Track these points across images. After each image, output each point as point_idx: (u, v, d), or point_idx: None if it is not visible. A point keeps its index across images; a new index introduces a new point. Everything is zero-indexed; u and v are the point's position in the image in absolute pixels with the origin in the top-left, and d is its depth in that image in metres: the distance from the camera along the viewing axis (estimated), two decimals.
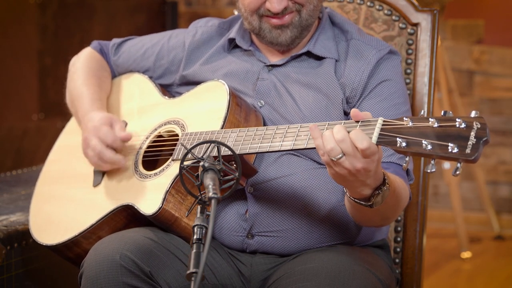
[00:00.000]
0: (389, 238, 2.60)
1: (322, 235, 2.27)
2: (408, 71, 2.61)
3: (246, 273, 2.28)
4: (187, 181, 1.98)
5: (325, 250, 2.24)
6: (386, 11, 2.66)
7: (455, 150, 1.76)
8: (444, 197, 5.67)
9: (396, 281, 2.45)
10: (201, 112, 2.33)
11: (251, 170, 2.17)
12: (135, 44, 2.61)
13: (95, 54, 2.63)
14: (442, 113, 1.82)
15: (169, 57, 2.52)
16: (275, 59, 2.39)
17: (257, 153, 2.10)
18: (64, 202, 2.46)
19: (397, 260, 2.60)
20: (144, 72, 2.57)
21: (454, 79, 5.26)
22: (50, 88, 4.82)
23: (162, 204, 2.18)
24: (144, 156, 2.38)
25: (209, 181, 1.87)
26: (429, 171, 1.81)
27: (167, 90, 2.54)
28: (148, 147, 2.39)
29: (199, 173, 1.91)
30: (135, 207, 2.23)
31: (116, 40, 2.65)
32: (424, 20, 2.61)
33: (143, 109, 2.50)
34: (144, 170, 2.33)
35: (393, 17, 2.65)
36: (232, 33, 2.46)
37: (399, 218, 2.60)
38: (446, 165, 4.95)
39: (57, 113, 4.70)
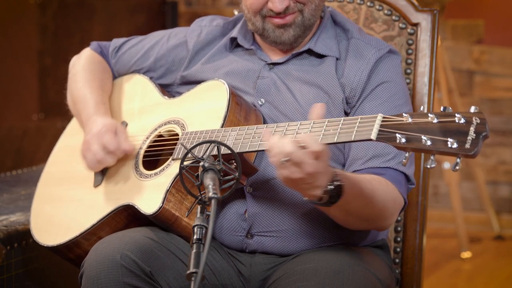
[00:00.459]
0: (389, 238, 2.60)
1: (322, 235, 2.27)
2: (408, 71, 2.61)
3: (245, 273, 2.28)
4: (187, 181, 1.98)
5: (324, 250, 2.24)
6: (386, 11, 2.66)
7: (455, 145, 1.76)
8: (444, 197, 5.67)
9: (396, 281, 2.45)
10: (201, 111, 2.33)
11: (251, 169, 2.18)
12: (135, 44, 2.61)
13: (96, 56, 2.63)
14: (441, 109, 1.82)
15: (170, 57, 2.53)
16: (276, 57, 2.40)
17: (257, 151, 2.10)
18: (65, 203, 2.46)
19: (397, 260, 2.60)
20: (145, 73, 2.57)
21: (454, 79, 5.26)
22: (50, 88, 4.82)
23: (163, 204, 2.18)
24: (144, 156, 2.38)
25: (209, 181, 1.87)
26: (428, 166, 1.81)
27: (168, 90, 2.54)
28: (149, 147, 2.39)
29: (199, 173, 1.91)
30: (136, 207, 2.23)
31: (116, 42, 2.64)
32: (424, 20, 2.61)
33: (143, 109, 2.50)
34: (145, 170, 2.34)
35: (393, 17, 2.65)
36: (234, 32, 2.46)
37: (399, 218, 2.60)
38: (446, 165, 4.95)
39: (57, 113, 4.70)
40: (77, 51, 2.67)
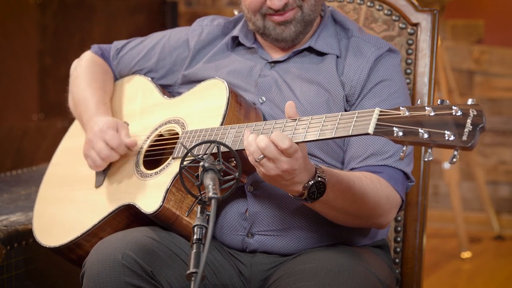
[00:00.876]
0: (389, 238, 2.60)
1: (322, 234, 2.27)
2: (408, 71, 2.61)
3: (246, 273, 2.28)
4: (187, 180, 1.98)
5: (325, 249, 2.24)
6: (386, 11, 2.66)
7: (452, 138, 1.76)
8: (444, 197, 5.67)
9: (396, 281, 2.45)
10: (201, 110, 2.33)
11: (252, 167, 2.18)
12: (136, 45, 2.61)
13: (97, 58, 2.64)
14: (438, 102, 1.82)
15: (172, 57, 2.53)
16: (277, 55, 2.40)
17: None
18: (67, 204, 2.46)
19: (397, 260, 2.60)
20: (146, 73, 2.57)
21: (454, 79, 5.26)
22: (50, 88, 4.82)
23: (163, 203, 2.18)
24: (145, 156, 2.39)
25: (209, 181, 1.87)
26: (426, 159, 1.81)
27: (169, 90, 2.54)
28: (149, 146, 2.40)
29: (199, 173, 1.91)
30: (136, 206, 2.24)
31: (117, 44, 2.65)
32: (424, 20, 2.61)
33: (144, 110, 2.50)
34: (145, 170, 2.34)
35: (393, 17, 2.65)
36: (235, 31, 2.46)
37: (399, 218, 2.60)
38: (446, 165, 4.95)
39: (57, 113, 4.70)
40: (77, 51, 2.67)
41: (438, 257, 5.00)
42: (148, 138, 2.41)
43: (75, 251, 2.36)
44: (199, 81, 2.42)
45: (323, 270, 2.09)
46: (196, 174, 1.93)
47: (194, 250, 1.80)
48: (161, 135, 2.40)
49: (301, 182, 2.00)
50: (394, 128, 1.81)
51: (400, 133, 1.80)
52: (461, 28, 5.75)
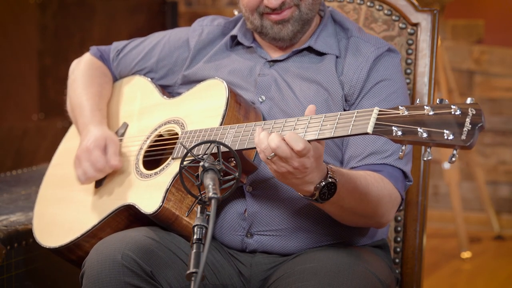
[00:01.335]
0: (389, 238, 2.60)
1: (322, 234, 2.27)
2: (408, 71, 2.61)
3: (246, 273, 2.28)
4: (187, 180, 1.98)
5: (324, 249, 2.24)
6: (386, 11, 2.66)
7: (451, 137, 1.76)
8: (444, 197, 5.67)
9: (396, 281, 2.45)
10: (200, 110, 2.33)
11: (251, 167, 2.18)
12: (136, 46, 2.61)
13: (95, 61, 2.63)
14: (437, 101, 1.82)
15: (172, 57, 2.53)
16: (276, 55, 2.40)
17: (255, 148, 2.10)
18: (67, 204, 2.46)
19: (397, 260, 2.60)
20: (146, 73, 2.57)
21: (454, 79, 5.26)
22: (50, 88, 4.82)
23: (163, 203, 2.18)
24: (145, 156, 2.38)
25: (209, 181, 1.87)
26: (425, 159, 1.81)
27: (169, 91, 2.54)
28: (149, 147, 2.40)
29: (199, 173, 1.91)
30: (136, 207, 2.24)
31: (117, 45, 2.64)
32: (424, 20, 2.61)
33: (143, 110, 2.50)
34: (145, 170, 2.34)
35: (393, 17, 2.65)
36: (234, 31, 2.46)
37: (399, 218, 2.60)
38: (446, 165, 4.95)
39: (57, 113, 4.70)
40: (77, 51, 2.67)
41: (438, 257, 5.00)
42: (147, 138, 2.41)
43: (74, 252, 2.36)
44: (199, 81, 2.42)
45: (323, 270, 2.09)
46: (196, 174, 1.93)
47: (194, 250, 1.80)
48: (160, 135, 2.40)
49: (313, 182, 1.99)
50: (393, 128, 1.81)
51: (399, 133, 1.80)
52: (461, 28, 5.75)
